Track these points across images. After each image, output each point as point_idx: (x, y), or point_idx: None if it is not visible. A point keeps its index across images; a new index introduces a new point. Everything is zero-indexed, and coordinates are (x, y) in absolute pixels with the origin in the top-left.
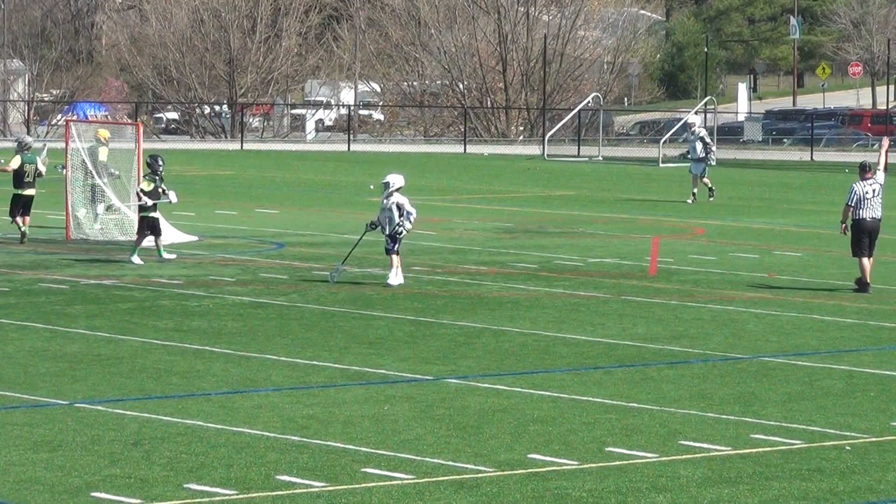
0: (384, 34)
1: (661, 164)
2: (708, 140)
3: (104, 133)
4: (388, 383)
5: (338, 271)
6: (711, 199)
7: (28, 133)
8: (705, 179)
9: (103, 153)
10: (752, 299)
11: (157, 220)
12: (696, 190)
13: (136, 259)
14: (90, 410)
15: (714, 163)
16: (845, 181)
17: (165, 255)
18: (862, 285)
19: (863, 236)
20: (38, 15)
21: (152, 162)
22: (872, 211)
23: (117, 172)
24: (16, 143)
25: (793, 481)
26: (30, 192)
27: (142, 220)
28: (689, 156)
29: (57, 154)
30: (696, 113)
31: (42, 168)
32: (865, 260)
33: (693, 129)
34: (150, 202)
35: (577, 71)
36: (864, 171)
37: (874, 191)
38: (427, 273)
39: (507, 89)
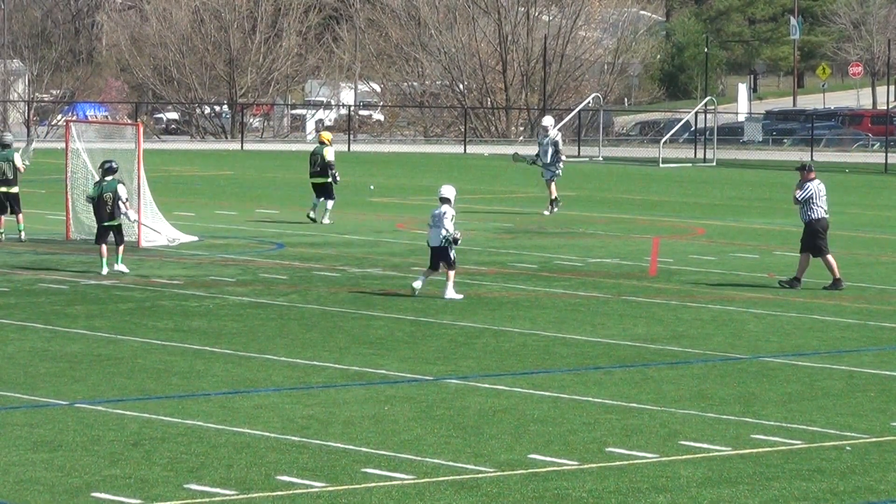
0: (384, 34)
1: (661, 165)
2: (560, 147)
3: None
4: (388, 383)
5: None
6: (549, 212)
7: (28, 134)
8: (552, 188)
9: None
10: (753, 299)
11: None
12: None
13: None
14: (90, 410)
15: (560, 174)
16: (845, 181)
17: (119, 267)
18: (836, 282)
19: (822, 234)
20: (39, 15)
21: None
22: (824, 210)
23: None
24: None
25: (793, 481)
26: (6, 189)
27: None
28: (540, 160)
29: (56, 154)
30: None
31: (20, 164)
32: (830, 257)
33: (547, 131)
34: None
35: (577, 71)
36: (809, 171)
37: (823, 190)
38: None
39: (508, 89)
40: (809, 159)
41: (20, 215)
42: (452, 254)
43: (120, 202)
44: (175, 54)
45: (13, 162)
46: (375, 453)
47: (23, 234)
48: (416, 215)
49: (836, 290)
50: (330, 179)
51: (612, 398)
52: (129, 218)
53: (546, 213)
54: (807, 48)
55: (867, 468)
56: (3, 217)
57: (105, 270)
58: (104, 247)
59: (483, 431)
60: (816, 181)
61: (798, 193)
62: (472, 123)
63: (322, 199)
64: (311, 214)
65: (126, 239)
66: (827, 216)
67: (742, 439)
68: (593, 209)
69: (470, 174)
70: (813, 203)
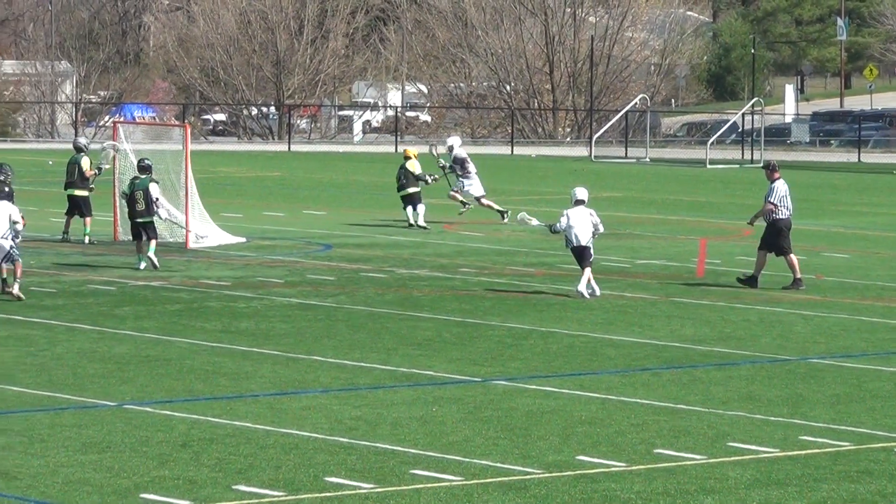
0: (431, 36)
1: (708, 166)
2: (467, 165)
3: None
4: (436, 385)
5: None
6: (505, 218)
7: (76, 135)
8: (454, 192)
9: None
10: (800, 301)
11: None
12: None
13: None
14: (139, 412)
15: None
16: (893, 182)
17: (150, 255)
18: (796, 282)
19: (786, 233)
20: (86, 16)
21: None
22: (788, 210)
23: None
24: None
25: (841, 483)
26: (74, 192)
27: None
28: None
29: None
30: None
31: (87, 169)
32: (793, 257)
33: (452, 150)
34: None
35: (624, 72)
36: (774, 170)
37: (786, 189)
38: (475, 274)
39: (555, 91)
40: (773, 160)
41: (88, 219)
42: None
43: (151, 201)
44: (222, 55)
45: (80, 165)
46: (423, 454)
47: (88, 237)
48: (464, 216)
49: (795, 289)
50: (418, 189)
51: (659, 400)
52: (160, 217)
53: (505, 220)
54: (854, 49)
55: None
56: (70, 219)
57: (142, 265)
58: (140, 243)
59: (531, 433)
60: (781, 180)
61: (772, 197)
62: (519, 124)
63: (411, 207)
64: (414, 220)
65: (172, 240)
66: (790, 215)
67: (790, 441)
68: (640, 210)
69: (517, 175)
70: (780, 203)
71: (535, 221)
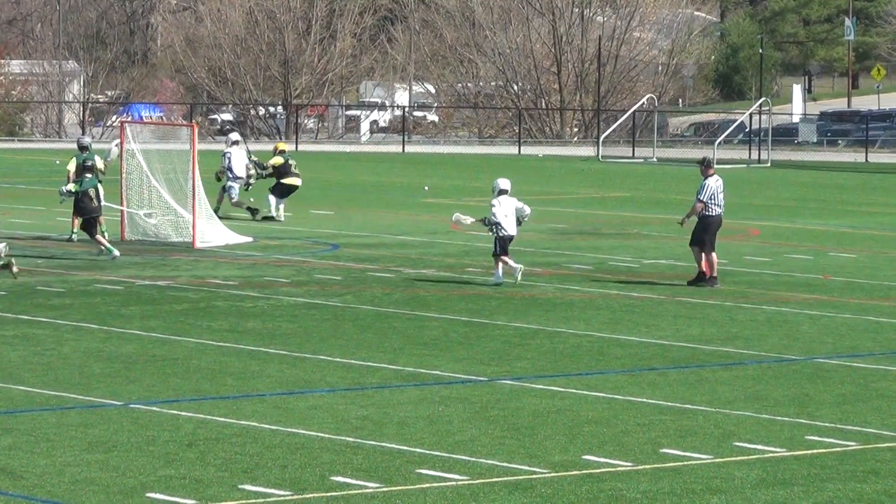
0: (438, 35)
1: (715, 166)
2: (250, 161)
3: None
4: (442, 384)
5: None
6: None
7: (83, 134)
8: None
9: None
10: (807, 301)
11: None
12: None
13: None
14: (145, 411)
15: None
16: None
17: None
18: (705, 278)
19: (713, 231)
20: (94, 16)
21: None
22: (720, 207)
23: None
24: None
25: (847, 483)
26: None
27: None
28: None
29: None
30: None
31: (101, 166)
32: (714, 255)
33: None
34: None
35: (631, 72)
36: (708, 167)
37: (720, 186)
38: (482, 275)
39: (562, 90)
40: (711, 156)
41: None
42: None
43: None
44: (230, 55)
45: (94, 164)
46: (430, 454)
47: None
48: (470, 216)
49: (706, 286)
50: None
51: (666, 399)
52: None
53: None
54: (861, 49)
55: None
56: (77, 219)
57: (116, 253)
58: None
59: (537, 432)
60: (715, 177)
61: (701, 195)
62: (527, 124)
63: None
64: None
65: (179, 239)
66: (721, 213)
67: (796, 440)
68: (647, 210)
69: (524, 175)
70: (710, 201)
71: (469, 220)
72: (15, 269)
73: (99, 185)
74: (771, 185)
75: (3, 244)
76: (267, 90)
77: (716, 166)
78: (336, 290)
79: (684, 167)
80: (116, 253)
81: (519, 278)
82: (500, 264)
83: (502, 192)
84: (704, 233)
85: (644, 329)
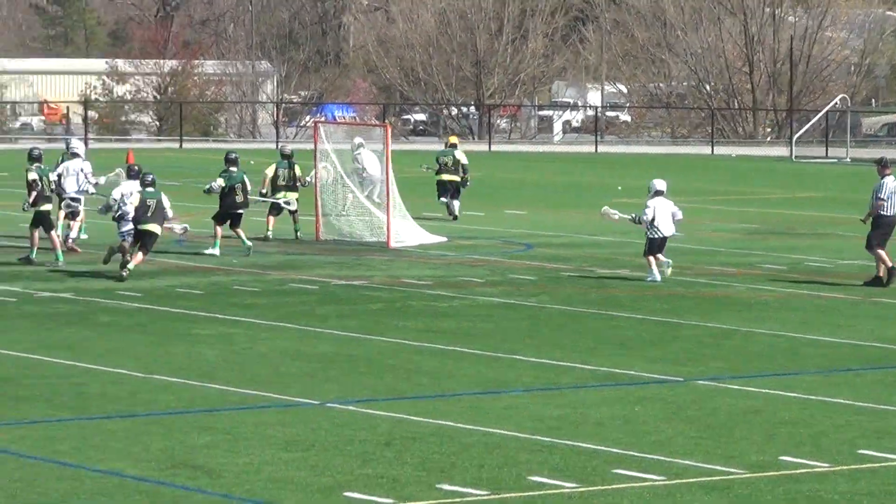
0: (630, 35)
1: None
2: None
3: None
4: (637, 384)
5: None
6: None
7: (278, 136)
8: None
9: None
10: None
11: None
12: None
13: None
14: (341, 410)
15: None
16: None
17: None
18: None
19: (886, 231)
20: (286, 17)
21: None
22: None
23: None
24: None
25: None
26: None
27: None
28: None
29: (305, 155)
30: None
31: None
32: (882, 252)
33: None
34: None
35: (823, 72)
36: (885, 166)
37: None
38: (675, 274)
39: (754, 90)
40: (885, 156)
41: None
42: None
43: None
44: (422, 55)
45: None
46: (626, 454)
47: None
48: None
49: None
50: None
51: (862, 400)
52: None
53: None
54: None
55: None
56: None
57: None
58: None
59: (733, 433)
60: (892, 177)
61: (881, 193)
62: (719, 124)
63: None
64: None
65: (374, 240)
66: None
67: None
68: (841, 210)
69: (717, 175)
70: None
71: (617, 215)
72: (127, 270)
73: (245, 179)
74: None
75: (184, 227)
76: (459, 90)
77: None
78: (530, 289)
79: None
80: (249, 244)
81: (668, 272)
82: (654, 262)
83: (658, 192)
84: (876, 230)
85: (839, 329)
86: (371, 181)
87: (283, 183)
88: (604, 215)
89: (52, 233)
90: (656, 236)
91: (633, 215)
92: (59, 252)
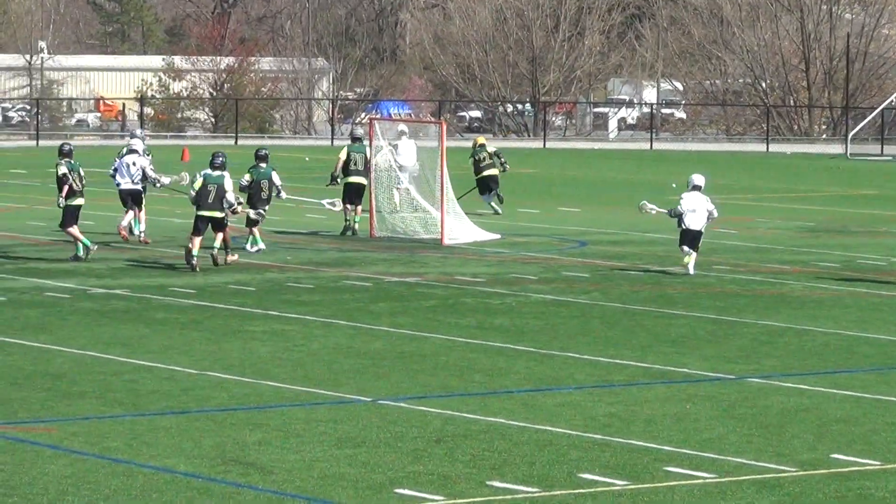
0: (686, 32)
1: None
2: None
3: None
4: (690, 382)
5: None
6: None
7: (333, 131)
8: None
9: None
10: None
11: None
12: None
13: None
14: (393, 407)
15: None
16: None
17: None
18: None
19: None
20: (343, 14)
21: None
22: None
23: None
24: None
25: None
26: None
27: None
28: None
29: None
30: None
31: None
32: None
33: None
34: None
35: (880, 70)
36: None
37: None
38: (729, 272)
39: (810, 88)
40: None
41: (358, 207)
42: None
43: (276, 187)
44: (478, 52)
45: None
46: (677, 452)
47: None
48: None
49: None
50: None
51: None
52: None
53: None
54: None
55: None
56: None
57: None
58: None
59: (785, 431)
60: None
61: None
62: (775, 122)
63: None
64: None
65: (429, 236)
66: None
67: None
68: None
69: (772, 173)
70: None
71: (654, 209)
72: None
73: (274, 175)
74: None
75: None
76: (515, 87)
77: None
78: (583, 287)
79: None
80: (262, 245)
81: (685, 260)
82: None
83: (696, 187)
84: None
85: (894, 328)
86: (404, 169)
87: (355, 167)
88: (640, 209)
89: (74, 228)
90: (684, 227)
91: (670, 210)
92: (81, 245)
